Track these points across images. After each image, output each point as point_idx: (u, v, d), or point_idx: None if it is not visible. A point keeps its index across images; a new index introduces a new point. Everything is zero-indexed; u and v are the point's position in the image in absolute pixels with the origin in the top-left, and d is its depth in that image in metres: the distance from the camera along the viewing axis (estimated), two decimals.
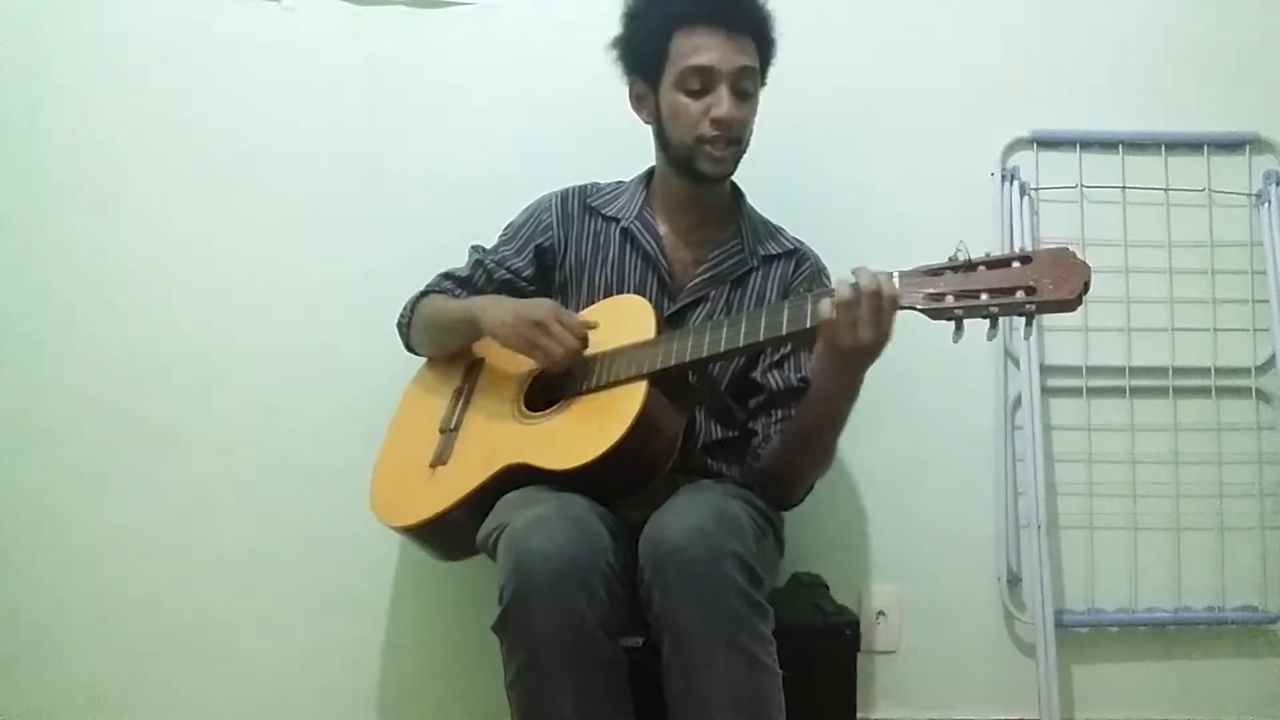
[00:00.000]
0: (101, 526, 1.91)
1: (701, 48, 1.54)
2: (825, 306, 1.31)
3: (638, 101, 1.65)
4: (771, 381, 1.60)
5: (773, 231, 1.71)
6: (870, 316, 1.29)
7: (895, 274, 1.30)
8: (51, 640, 1.91)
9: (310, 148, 1.95)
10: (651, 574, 1.32)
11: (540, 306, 1.55)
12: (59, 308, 1.93)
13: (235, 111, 1.94)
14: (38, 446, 1.92)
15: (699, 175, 1.60)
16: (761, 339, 1.41)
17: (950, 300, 1.25)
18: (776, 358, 1.61)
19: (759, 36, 1.59)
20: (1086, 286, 1.20)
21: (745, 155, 1.63)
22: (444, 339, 1.73)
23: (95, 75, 1.93)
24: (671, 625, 1.29)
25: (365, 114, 1.96)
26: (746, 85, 1.57)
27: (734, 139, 1.57)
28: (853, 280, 1.30)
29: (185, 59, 1.94)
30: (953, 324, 1.25)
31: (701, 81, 1.55)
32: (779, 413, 1.59)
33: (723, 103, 1.54)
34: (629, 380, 1.48)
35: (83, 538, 1.91)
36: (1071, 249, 1.22)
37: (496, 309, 1.59)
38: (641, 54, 1.61)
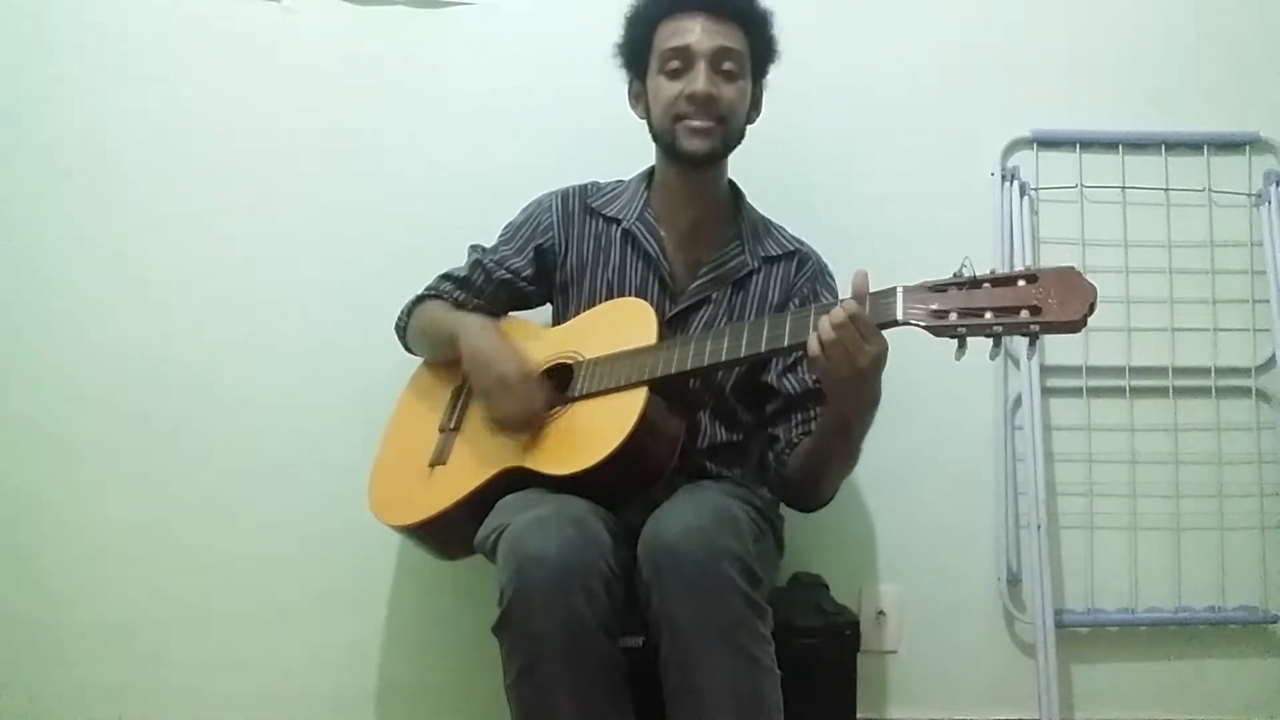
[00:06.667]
0: (101, 526, 1.91)
1: (679, 30, 1.57)
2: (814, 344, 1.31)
3: (634, 99, 1.66)
4: (788, 386, 1.59)
5: (773, 231, 1.70)
6: (855, 344, 1.29)
7: (899, 289, 1.29)
8: (52, 641, 1.91)
9: (310, 147, 1.95)
10: (650, 574, 1.32)
11: (520, 366, 1.53)
12: (59, 307, 1.93)
13: (235, 111, 1.94)
14: (38, 446, 1.92)
15: (685, 156, 1.58)
16: (763, 350, 1.41)
17: (954, 318, 1.23)
18: (790, 361, 1.59)
19: (746, 23, 1.59)
20: (1092, 308, 1.18)
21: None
22: (435, 349, 1.73)
23: (94, 75, 1.93)
24: (670, 625, 1.30)
25: (365, 114, 1.96)
26: (727, 66, 1.57)
27: (715, 116, 1.56)
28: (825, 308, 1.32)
29: (185, 59, 1.94)
30: (955, 341, 1.23)
31: (680, 62, 1.56)
32: (799, 415, 1.58)
33: (698, 78, 1.54)
34: (630, 386, 1.47)
35: (83, 538, 1.91)
36: (1078, 269, 1.21)
37: (476, 338, 1.59)
38: (633, 49, 1.63)
